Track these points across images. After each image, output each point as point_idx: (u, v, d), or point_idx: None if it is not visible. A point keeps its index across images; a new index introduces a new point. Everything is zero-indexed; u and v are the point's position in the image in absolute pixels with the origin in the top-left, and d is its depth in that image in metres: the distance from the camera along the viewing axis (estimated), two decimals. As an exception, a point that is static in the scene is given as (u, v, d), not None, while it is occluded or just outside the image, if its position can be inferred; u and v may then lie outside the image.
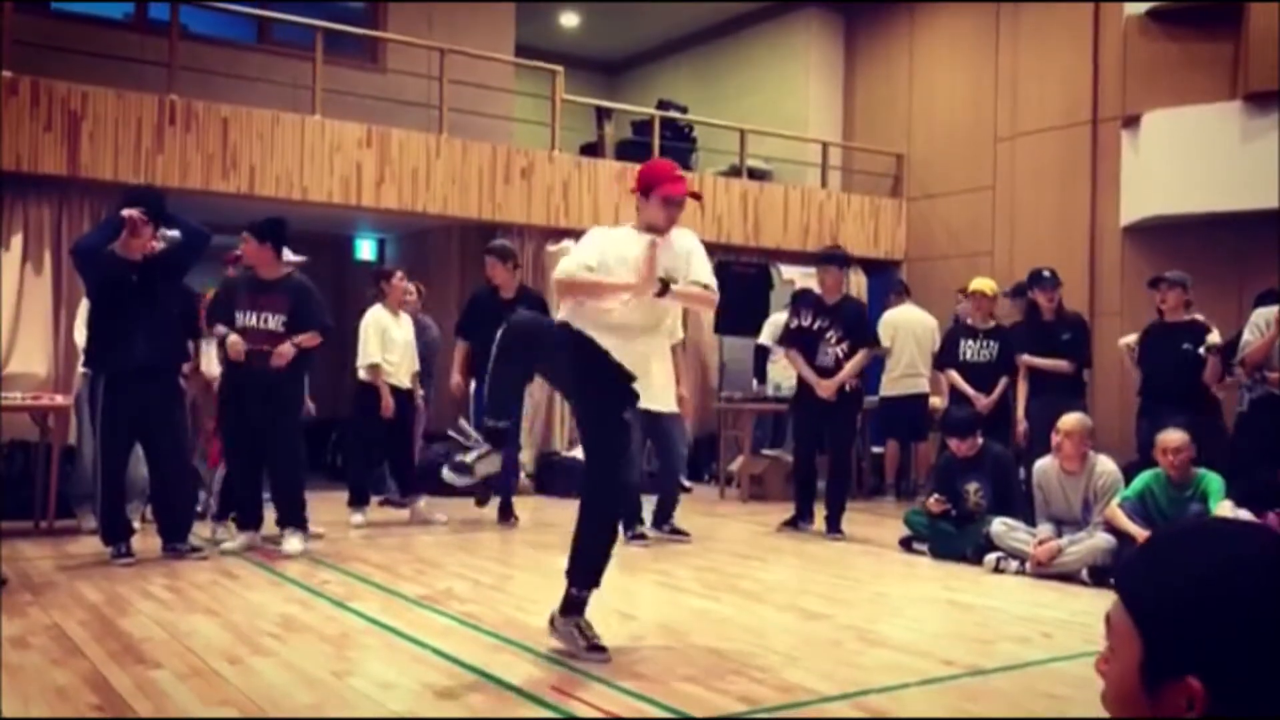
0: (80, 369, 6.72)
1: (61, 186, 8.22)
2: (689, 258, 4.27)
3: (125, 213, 5.81)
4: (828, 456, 7.73)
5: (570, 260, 4.20)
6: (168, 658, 4.00)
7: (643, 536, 7.01)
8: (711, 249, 10.88)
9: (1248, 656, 0.96)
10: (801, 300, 7.94)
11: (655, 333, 4.26)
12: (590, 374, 4.11)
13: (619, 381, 4.12)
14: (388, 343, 7.80)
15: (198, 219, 6.20)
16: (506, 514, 7.75)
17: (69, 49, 8.59)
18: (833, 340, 7.49)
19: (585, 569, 4.20)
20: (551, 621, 4.26)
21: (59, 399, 7.27)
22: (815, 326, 7.53)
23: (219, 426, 6.86)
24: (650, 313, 4.18)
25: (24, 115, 7.94)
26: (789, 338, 7.75)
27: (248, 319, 6.43)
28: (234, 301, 6.48)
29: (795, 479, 7.94)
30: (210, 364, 7.20)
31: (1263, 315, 6.77)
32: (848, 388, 7.50)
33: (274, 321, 6.42)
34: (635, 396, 4.16)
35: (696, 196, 4.37)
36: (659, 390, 4.23)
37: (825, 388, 7.41)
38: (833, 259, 7.71)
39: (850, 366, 7.45)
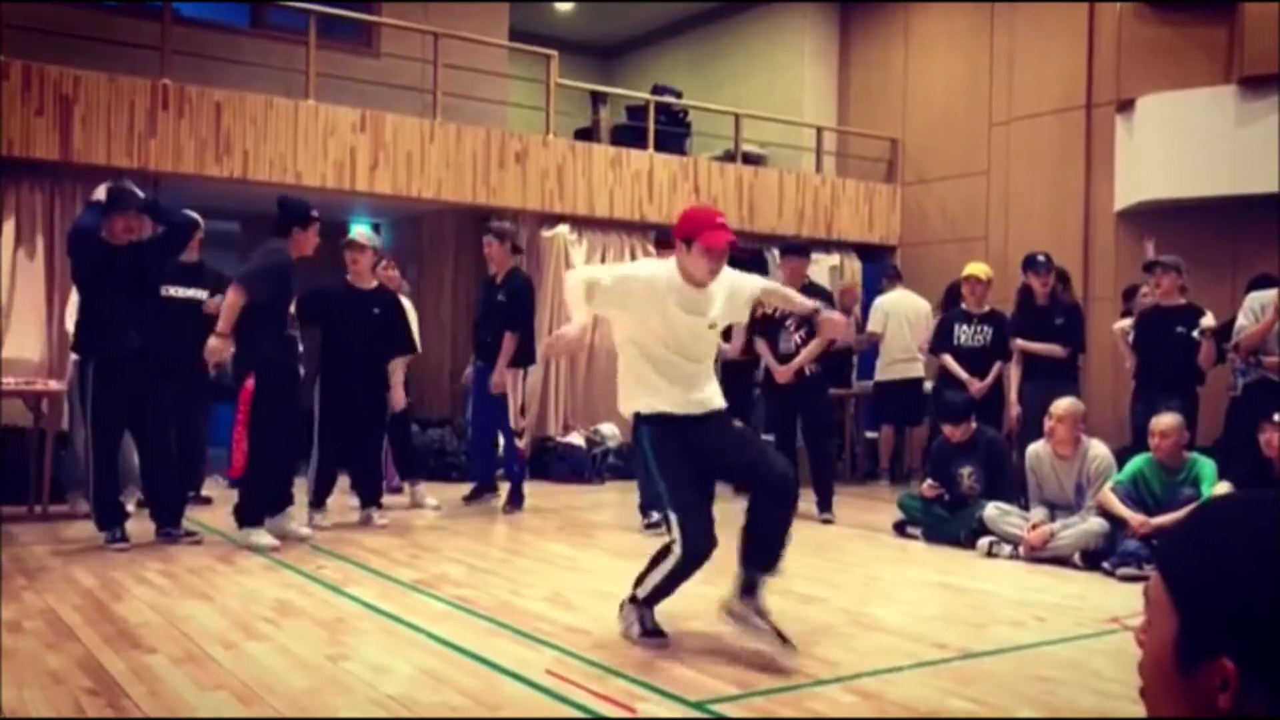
0: (72, 354, 6.70)
1: (54, 171, 8.17)
2: (738, 288, 4.34)
3: (110, 185, 5.81)
4: (806, 443, 7.79)
5: (590, 271, 4.36)
6: (162, 642, 4.01)
7: (658, 524, 7.00)
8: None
9: None
10: None
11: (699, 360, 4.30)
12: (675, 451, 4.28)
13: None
14: None
15: (190, 204, 6.18)
16: (517, 501, 7.79)
17: (61, 33, 8.54)
18: (791, 327, 7.61)
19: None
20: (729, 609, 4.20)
21: (52, 384, 7.25)
22: (777, 314, 7.61)
23: (323, 427, 6.87)
24: (694, 345, 4.23)
25: (16, 99, 7.89)
26: (755, 325, 7.84)
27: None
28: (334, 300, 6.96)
29: None
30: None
31: (1257, 299, 6.78)
32: (807, 372, 7.61)
33: None
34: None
35: (734, 246, 4.23)
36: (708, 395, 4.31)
37: (782, 374, 7.58)
38: (793, 250, 7.86)
39: (806, 352, 7.56)
